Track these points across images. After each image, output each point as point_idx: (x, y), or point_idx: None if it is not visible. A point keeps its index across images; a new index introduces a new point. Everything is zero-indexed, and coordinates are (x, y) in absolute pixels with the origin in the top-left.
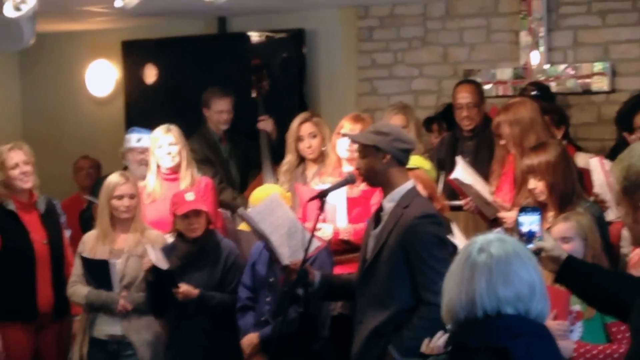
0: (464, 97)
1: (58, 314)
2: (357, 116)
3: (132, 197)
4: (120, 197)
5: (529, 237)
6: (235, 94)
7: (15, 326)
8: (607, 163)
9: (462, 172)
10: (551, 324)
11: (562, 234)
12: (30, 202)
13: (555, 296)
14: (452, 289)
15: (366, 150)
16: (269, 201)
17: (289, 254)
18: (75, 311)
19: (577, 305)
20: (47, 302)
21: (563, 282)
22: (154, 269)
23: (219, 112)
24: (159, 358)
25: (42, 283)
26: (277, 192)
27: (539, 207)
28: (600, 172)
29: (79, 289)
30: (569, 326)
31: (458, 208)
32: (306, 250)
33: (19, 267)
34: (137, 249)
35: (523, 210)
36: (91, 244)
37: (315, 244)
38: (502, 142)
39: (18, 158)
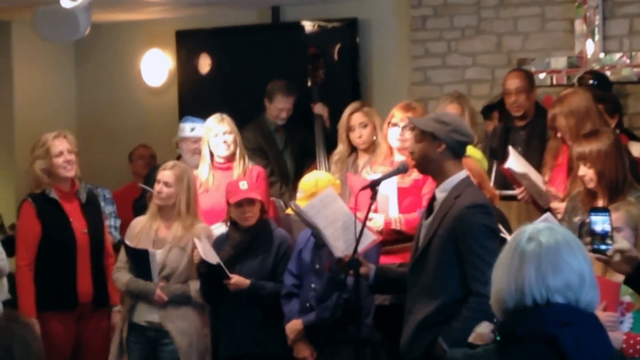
0: (513, 83)
1: (97, 304)
2: (408, 105)
3: (167, 184)
4: (158, 182)
5: (603, 236)
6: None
7: (56, 316)
8: None
9: (515, 161)
10: (601, 315)
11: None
12: (71, 191)
13: (605, 287)
14: (500, 278)
15: (423, 135)
16: (323, 195)
17: (343, 247)
18: (113, 301)
19: (627, 297)
20: (87, 292)
21: (634, 285)
22: (204, 261)
23: (279, 109)
24: (196, 347)
25: (82, 272)
26: (332, 187)
27: (607, 208)
28: None
29: (121, 276)
30: (619, 317)
31: (510, 198)
32: (357, 241)
33: (60, 256)
34: (181, 241)
35: (593, 210)
36: (137, 230)
37: (371, 237)
38: (559, 134)
39: (62, 146)
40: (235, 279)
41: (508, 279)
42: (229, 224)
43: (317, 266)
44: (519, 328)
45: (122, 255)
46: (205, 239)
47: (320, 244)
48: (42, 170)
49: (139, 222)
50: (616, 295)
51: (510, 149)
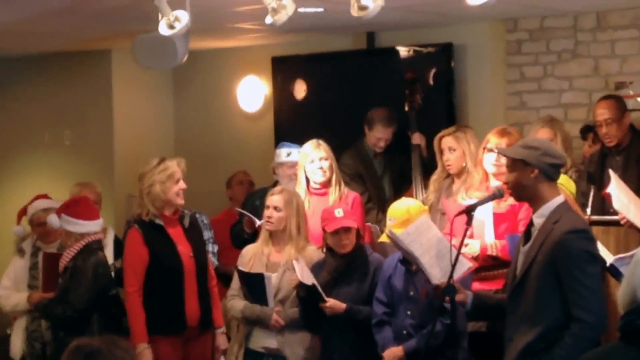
0: (602, 113)
1: (203, 327)
2: (504, 130)
3: (276, 209)
4: (267, 207)
5: None
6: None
7: (166, 340)
8: None
9: (616, 186)
10: None
11: None
12: (175, 216)
13: None
14: (635, 274)
15: (514, 164)
16: (418, 223)
17: (440, 275)
18: (217, 324)
19: None
20: (194, 315)
21: None
22: (302, 285)
23: (377, 138)
24: None
25: (190, 296)
26: (426, 215)
27: None
28: None
29: (236, 303)
30: None
31: (608, 223)
32: (453, 268)
33: (168, 280)
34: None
35: None
36: (248, 257)
37: (466, 265)
38: None
39: (181, 174)
40: (332, 302)
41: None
42: (325, 250)
43: (412, 293)
44: None
45: (235, 282)
46: (302, 261)
47: (413, 270)
48: (159, 194)
49: (250, 249)
50: None
51: (611, 173)
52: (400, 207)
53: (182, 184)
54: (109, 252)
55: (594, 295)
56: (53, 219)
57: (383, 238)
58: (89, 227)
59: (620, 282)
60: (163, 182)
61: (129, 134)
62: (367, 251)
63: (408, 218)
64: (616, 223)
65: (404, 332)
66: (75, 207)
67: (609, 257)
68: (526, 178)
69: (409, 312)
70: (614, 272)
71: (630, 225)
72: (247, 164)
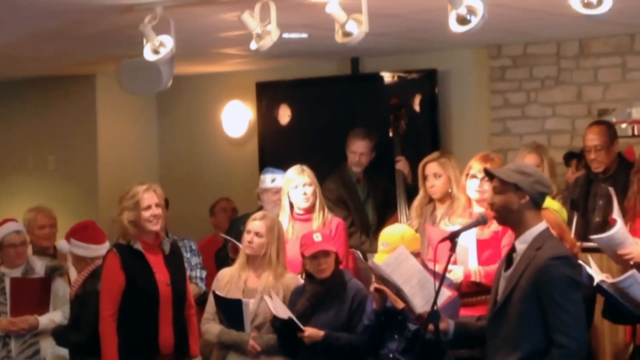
0: (591, 139)
1: (178, 354)
2: (486, 156)
3: (258, 234)
4: (248, 232)
5: None
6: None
7: None
8: None
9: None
10: None
11: None
12: (155, 242)
13: None
14: None
15: (505, 187)
16: (396, 254)
17: (422, 304)
18: (193, 352)
19: None
20: (168, 343)
21: None
22: (276, 317)
23: (352, 152)
24: None
25: (164, 323)
26: (403, 246)
27: None
28: None
29: (212, 327)
30: None
31: (592, 250)
32: (437, 293)
33: (143, 306)
34: (272, 290)
35: None
36: (225, 281)
37: (446, 294)
38: None
39: (151, 200)
40: (309, 332)
41: None
42: (304, 275)
43: (399, 317)
44: None
45: (210, 306)
46: (274, 294)
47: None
48: (130, 222)
49: (226, 273)
50: None
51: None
52: (394, 233)
53: (154, 210)
54: (73, 276)
55: (576, 321)
56: (62, 244)
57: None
58: (99, 251)
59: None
60: (130, 210)
61: (113, 158)
62: (346, 277)
63: (402, 244)
64: (598, 250)
65: (390, 355)
66: (84, 232)
67: (597, 276)
68: (515, 203)
69: (395, 336)
70: (601, 290)
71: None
72: (231, 190)
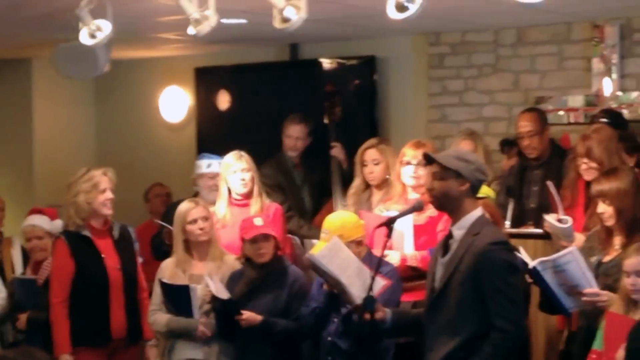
0: (524, 125)
1: (131, 339)
2: (419, 142)
3: (205, 219)
4: (194, 221)
5: None
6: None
7: (90, 351)
8: None
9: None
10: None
11: (636, 268)
12: (104, 228)
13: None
14: None
15: (446, 173)
16: (331, 245)
17: (359, 294)
18: (147, 336)
19: None
20: (121, 328)
21: None
22: (217, 298)
23: (287, 136)
24: None
25: (116, 308)
26: (337, 237)
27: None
28: None
29: (159, 318)
30: None
31: (526, 236)
32: (372, 280)
33: (93, 292)
34: (217, 274)
35: None
36: (170, 271)
37: (380, 283)
38: (592, 164)
39: (107, 184)
40: (247, 315)
41: None
42: (243, 260)
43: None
44: None
45: (156, 297)
46: (215, 276)
47: (336, 292)
48: (86, 204)
49: (169, 262)
50: None
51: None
52: (335, 220)
53: (108, 194)
54: (17, 262)
55: (515, 306)
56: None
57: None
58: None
59: (539, 287)
60: (88, 192)
61: (50, 144)
62: (286, 262)
63: (342, 234)
64: (533, 236)
65: (328, 338)
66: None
67: (530, 261)
68: (455, 190)
69: (335, 320)
70: (535, 275)
71: None
72: (169, 175)
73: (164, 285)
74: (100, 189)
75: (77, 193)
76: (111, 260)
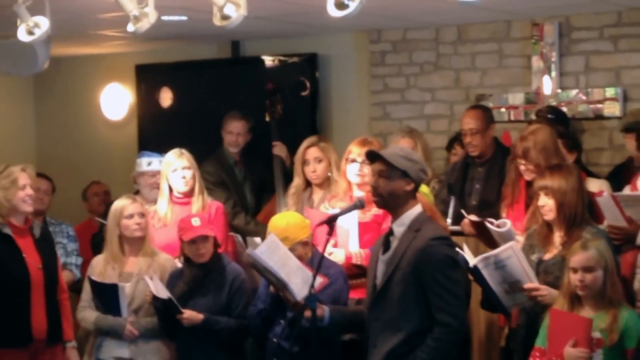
0: (467, 122)
1: (51, 340)
2: (365, 140)
3: (141, 215)
4: (131, 216)
5: None
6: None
7: (10, 352)
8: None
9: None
10: (571, 351)
11: (584, 264)
12: (25, 226)
13: (576, 323)
14: None
15: (392, 172)
16: (268, 241)
17: (297, 290)
18: (67, 337)
19: (597, 333)
20: (41, 328)
21: None
22: (156, 297)
23: (228, 132)
24: None
25: (36, 308)
26: (273, 234)
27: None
28: (614, 208)
29: (87, 315)
30: (589, 353)
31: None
32: (314, 277)
33: (13, 291)
34: (148, 272)
35: None
36: (100, 268)
37: (317, 280)
38: (529, 166)
39: (26, 180)
40: (188, 314)
41: None
42: (182, 259)
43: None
44: None
45: (86, 293)
46: (155, 276)
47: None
48: (6, 201)
49: (100, 259)
50: (587, 331)
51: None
52: (280, 224)
53: (28, 190)
54: None
55: (457, 300)
56: None
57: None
58: None
59: (480, 285)
60: (6, 189)
61: None
62: (225, 261)
63: (287, 236)
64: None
65: (274, 340)
66: None
67: (472, 260)
68: (401, 189)
69: (282, 322)
70: (476, 274)
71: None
72: (110, 173)
73: (92, 283)
74: (20, 185)
75: None
76: (32, 259)
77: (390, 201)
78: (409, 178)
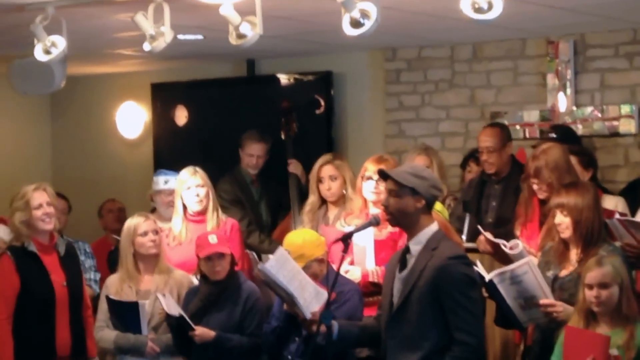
0: (484, 140)
1: (75, 357)
2: (380, 157)
3: (155, 232)
4: (145, 234)
5: None
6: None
7: None
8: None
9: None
10: None
11: (599, 280)
12: (50, 244)
13: (593, 341)
14: None
15: (402, 190)
16: (277, 256)
17: (307, 305)
18: (91, 354)
19: (614, 350)
20: (65, 345)
21: None
22: (170, 315)
23: (249, 155)
24: None
25: (61, 325)
26: (283, 248)
27: None
28: (624, 231)
29: (106, 334)
30: None
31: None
32: (330, 291)
33: (38, 308)
34: (165, 289)
35: None
36: (116, 287)
37: (325, 294)
38: (542, 185)
39: (42, 199)
40: (200, 331)
41: None
42: (199, 276)
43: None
44: None
45: (102, 313)
46: (168, 293)
47: (285, 305)
48: (22, 223)
49: (115, 278)
50: (605, 348)
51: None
52: (296, 241)
53: (45, 209)
54: None
55: (476, 319)
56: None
57: None
58: None
59: (495, 300)
60: (22, 210)
61: (5, 160)
62: (241, 278)
63: (302, 254)
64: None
65: (289, 357)
66: None
67: (486, 275)
68: (412, 207)
69: (296, 339)
70: (492, 289)
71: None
72: (126, 191)
73: (111, 302)
74: (34, 205)
75: (13, 212)
76: (57, 277)
77: (401, 219)
78: (419, 195)
